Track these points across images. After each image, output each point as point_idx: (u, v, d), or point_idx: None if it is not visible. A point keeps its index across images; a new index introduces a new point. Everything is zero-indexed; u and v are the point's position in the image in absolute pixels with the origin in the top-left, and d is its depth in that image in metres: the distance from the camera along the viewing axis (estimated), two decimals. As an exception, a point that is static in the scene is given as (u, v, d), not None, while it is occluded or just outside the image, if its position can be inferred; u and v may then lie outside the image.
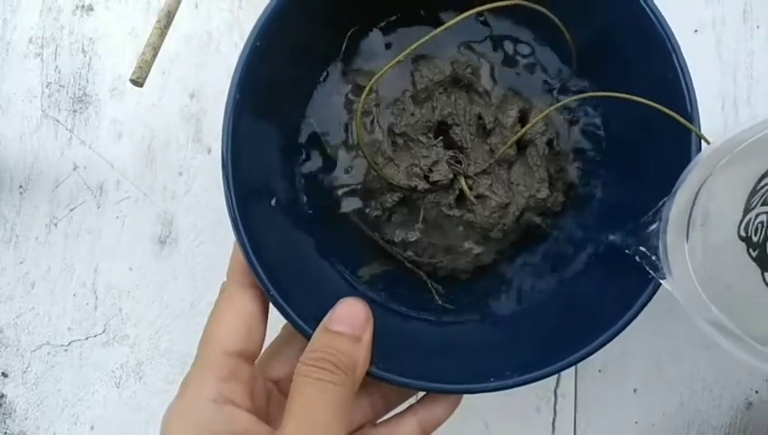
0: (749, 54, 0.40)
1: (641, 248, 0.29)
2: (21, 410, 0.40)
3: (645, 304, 0.29)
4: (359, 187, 0.33)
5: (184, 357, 0.40)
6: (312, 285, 0.32)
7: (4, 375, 0.41)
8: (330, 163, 0.34)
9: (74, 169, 0.41)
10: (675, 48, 0.30)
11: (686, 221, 0.27)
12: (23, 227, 0.41)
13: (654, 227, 0.28)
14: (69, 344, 0.40)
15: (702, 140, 0.30)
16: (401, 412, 0.31)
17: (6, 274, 0.41)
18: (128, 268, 0.41)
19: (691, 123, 0.30)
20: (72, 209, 0.41)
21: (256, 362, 0.29)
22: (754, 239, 0.26)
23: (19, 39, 0.42)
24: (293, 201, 0.33)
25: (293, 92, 0.33)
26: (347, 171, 0.33)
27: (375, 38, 0.34)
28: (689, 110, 0.30)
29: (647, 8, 0.31)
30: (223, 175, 0.29)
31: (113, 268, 0.41)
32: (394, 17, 0.34)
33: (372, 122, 0.33)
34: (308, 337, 0.28)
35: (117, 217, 0.41)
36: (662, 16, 0.31)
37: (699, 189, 0.27)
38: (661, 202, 0.29)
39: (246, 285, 0.28)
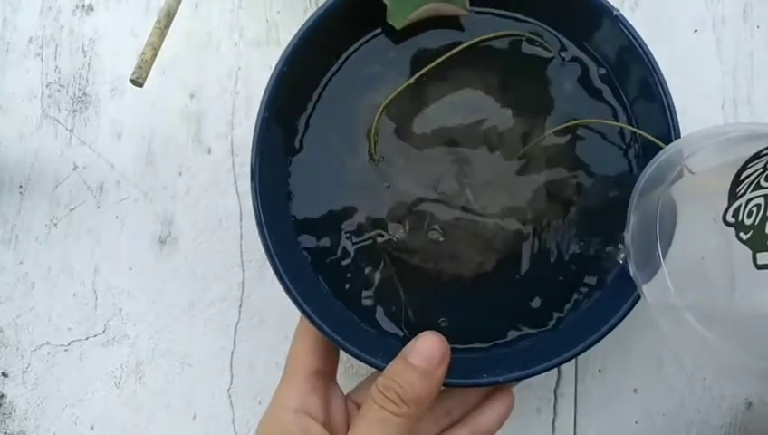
0: (749, 54, 0.40)
1: (622, 259, 0.32)
2: (21, 410, 0.40)
3: (625, 315, 0.32)
4: (371, 196, 0.35)
5: (184, 357, 0.40)
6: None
7: (4, 375, 0.41)
8: (342, 173, 0.36)
9: (74, 169, 0.41)
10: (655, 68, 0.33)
11: (656, 226, 0.29)
12: (23, 227, 0.41)
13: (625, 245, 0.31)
14: (69, 344, 0.40)
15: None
16: (453, 426, 0.33)
17: (6, 274, 0.41)
18: (128, 268, 0.41)
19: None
20: (72, 209, 0.41)
21: (351, 391, 0.34)
22: (747, 222, 0.27)
23: (19, 39, 0.43)
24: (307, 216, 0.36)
25: (309, 106, 0.36)
26: (360, 182, 0.36)
27: (388, 52, 0.36)
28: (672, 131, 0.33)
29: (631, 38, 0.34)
30: (253, 189, 0.32)
31: (113, 268, 0.41)
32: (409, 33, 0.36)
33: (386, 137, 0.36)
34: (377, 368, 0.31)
35: (117, 217, 0.41)
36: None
37: (659, 199, 0.29)
38: (627, 219, 0.31)
39: None
